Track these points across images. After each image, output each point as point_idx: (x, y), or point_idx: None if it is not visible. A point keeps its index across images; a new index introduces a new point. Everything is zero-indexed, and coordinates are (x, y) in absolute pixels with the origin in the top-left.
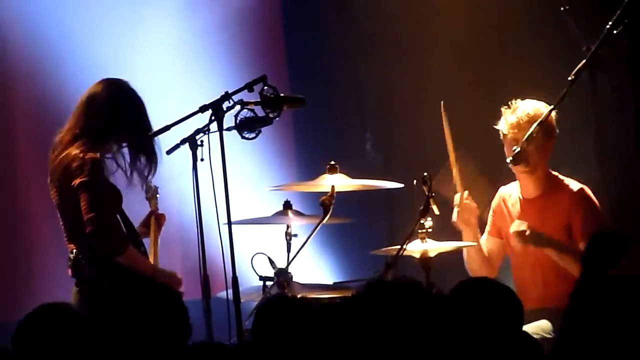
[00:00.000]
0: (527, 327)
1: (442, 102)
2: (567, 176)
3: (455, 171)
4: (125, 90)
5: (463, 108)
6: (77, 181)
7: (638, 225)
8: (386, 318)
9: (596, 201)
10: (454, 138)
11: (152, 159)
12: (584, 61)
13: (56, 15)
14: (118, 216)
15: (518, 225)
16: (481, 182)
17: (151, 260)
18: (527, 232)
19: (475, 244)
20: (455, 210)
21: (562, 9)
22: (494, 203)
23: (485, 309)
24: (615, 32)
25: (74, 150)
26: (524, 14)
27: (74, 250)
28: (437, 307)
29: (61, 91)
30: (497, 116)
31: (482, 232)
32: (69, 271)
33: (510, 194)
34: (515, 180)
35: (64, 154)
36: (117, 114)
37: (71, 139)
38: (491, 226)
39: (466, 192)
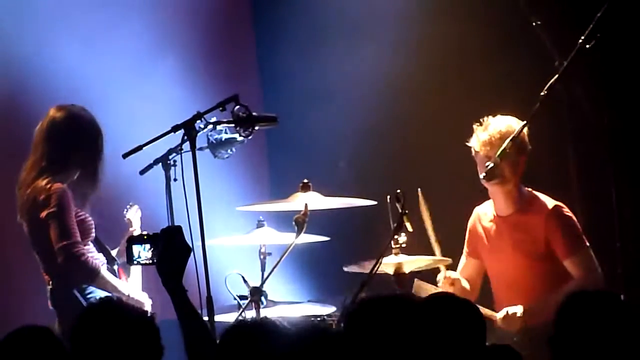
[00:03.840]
0: None
1: (419, 190)
2: (543, 192)
3: (438, 252)
4: (80, 115)
5: (435, 124)
6: (44, 213)
7: (612, 237)
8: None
9: (572, 215)
10: (432, 218)
11: (94, 184)
12: (556, 76)
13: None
14: (92, 242)
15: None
16: None
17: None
18: (519, 314)
19: (449, 260)
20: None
21: (534, 23)
22: (469, 223)
23: (448, 325)
24: (587, 46)
25: (40, 183)
26: (495, 29)
27: (50, 282)
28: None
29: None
30: (470, 132)
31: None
32: (49, 303)
33: (485, 212)
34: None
35: (30, 189)
36: (76, 140)
37: (37, 174)
38: (468, 247)
39: (449, 272)
